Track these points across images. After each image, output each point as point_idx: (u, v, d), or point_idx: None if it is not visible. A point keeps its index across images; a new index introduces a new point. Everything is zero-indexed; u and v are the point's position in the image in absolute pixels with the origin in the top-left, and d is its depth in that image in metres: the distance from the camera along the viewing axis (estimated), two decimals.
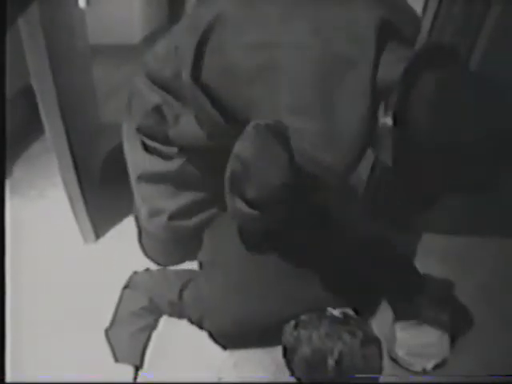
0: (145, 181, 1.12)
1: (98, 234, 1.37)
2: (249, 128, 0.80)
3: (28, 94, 1.16)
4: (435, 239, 1.55)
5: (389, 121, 0.76)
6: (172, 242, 1.23)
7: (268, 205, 0.86)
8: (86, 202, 1.25)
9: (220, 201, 1.14)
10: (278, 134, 0.76)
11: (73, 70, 1.51)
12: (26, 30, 0.98)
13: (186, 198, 1.14)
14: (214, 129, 0.96)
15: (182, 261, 1.29)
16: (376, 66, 0.75)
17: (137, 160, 1.12)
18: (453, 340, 1.12)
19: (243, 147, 0.82)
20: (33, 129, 1.60)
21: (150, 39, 2.67)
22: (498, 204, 1.50)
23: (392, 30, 0.77)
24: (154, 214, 1.15)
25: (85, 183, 1.23)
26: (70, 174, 1.19)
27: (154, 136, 1.05)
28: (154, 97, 1.00)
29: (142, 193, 1.15)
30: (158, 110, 1.01)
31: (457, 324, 1.16)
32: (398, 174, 0.85)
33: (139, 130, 1.06)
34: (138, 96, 1.04)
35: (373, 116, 0.78)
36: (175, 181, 1.11)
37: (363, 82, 0.74)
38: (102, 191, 1.37)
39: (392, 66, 0.75)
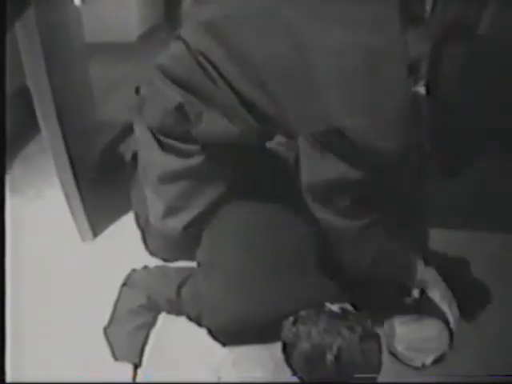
0: (163, 181, 1.12)
1: (95, 232, 1.37)
2: (304, 142, 0.87)
3: (24, 94, 1.16)
4: (435, 234, 1.55)
5: (422, 90, 0.85)
6: (176, 241, 1.23)
7: (360, 208, 0.91)
8: (82, 200, 1.25)
9: (233, 195, 1.16)
10: (336, 135, 0.80)
11: (69, 68, 1.50)
12: (22, 30, 0.98)
13: (204, 198, 1.15)
14: (245, 126, 0.98)
15: (184, 257, 1.29)
16: (406, 48, 0.82)
17: (154, 160, 1.11)
18: (469, 317, 1.16)
19: (311, 162, 0.89)
20: (29, 128, 1.59)
21: (147, 37, 2.67)
22: (500, 199, 1.50)
23: (407, 14, 0.84)
24: (171, 212, 1.15)
25: (81, 181, 1.23)
26: (66, 173, 1.19)
27: (174, 135, 1.05)
28: (175, 96, 1.00)
29: (161, 193, 1.15)
30: (179, 108, 1.01)
31: (471, 300, 1.19)
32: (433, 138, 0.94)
33: (158, 129, 1.06)
34: (155, 95, 1.04)
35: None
36: (195, 177, 1.12)
37: (399, 67, 0.80)
38: (99, 189, 1.37)
39: (415, 44, 0.83)
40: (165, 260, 1.28)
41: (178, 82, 1.00)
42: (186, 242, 1.23)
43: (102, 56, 2.14)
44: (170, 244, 1.26)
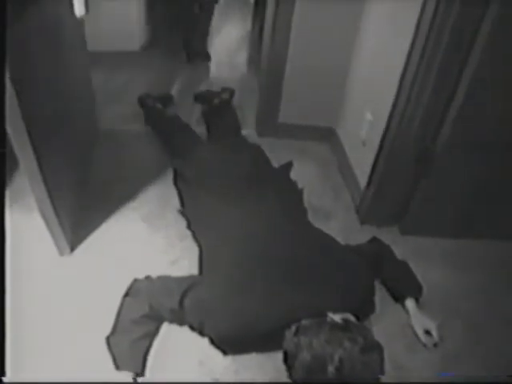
0: None
1: (72, 247, 1.36)
2: None
3: None
4: (436, 242, 1.55)
5: None
6: None
7: None
8: (58, 216, 1.23)
9: None
10: None
11: (72, 77, 1.51)
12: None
13: None
14: None
15: None
16: None
17: None
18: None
19: None
20: None
21: (148, 47, 2.70)
22: (498, 207, 1.51)
23: None
24: None
25: (56, 198, 1.21)
26: (40, 190, 1.14)
27: None
28: None
29: None
30: None
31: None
32: None
33: None
34: None
35: None
36: None
37: None
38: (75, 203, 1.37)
39: None
40: None
41: None
42: None
43: (104, 64, 2.16)
44: None
